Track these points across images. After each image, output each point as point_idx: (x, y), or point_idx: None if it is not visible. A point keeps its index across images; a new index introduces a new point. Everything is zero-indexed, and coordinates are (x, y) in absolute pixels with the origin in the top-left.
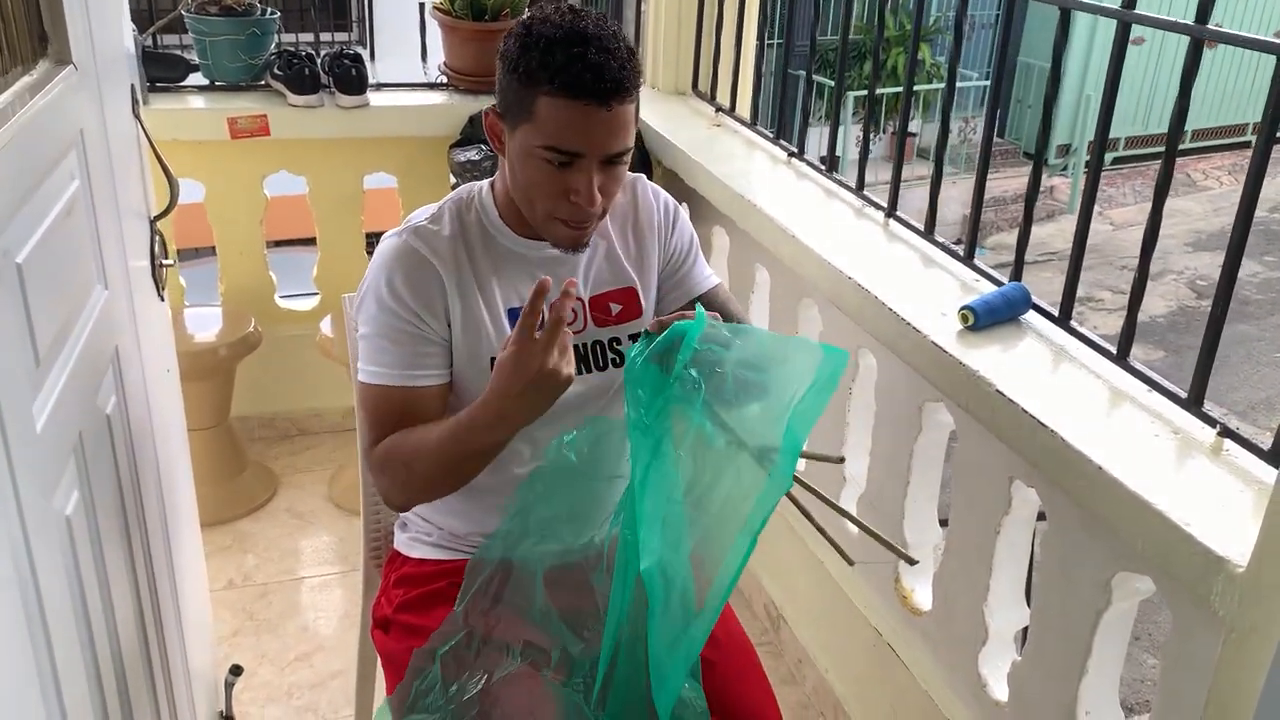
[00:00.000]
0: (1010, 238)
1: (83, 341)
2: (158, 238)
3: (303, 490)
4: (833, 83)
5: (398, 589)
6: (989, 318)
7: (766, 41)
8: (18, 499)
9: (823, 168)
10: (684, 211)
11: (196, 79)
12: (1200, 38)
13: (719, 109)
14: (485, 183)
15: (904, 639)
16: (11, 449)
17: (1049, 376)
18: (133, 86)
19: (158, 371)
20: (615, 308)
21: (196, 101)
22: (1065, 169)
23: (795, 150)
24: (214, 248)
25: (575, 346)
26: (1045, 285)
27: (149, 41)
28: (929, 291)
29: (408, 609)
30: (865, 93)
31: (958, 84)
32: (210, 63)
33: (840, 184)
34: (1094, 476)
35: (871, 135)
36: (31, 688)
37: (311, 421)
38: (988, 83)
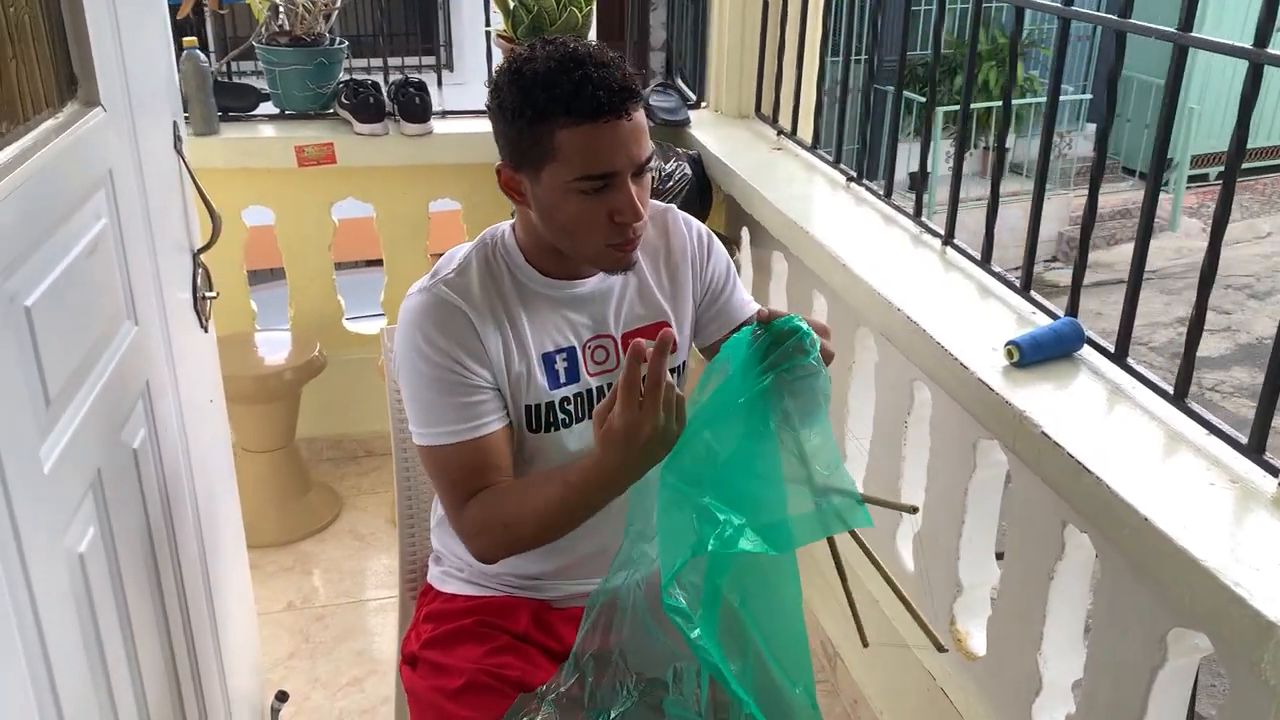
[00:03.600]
0: (1106, 255)
1: (105, 378)
2: (200, 270)
3: (365, 512)
4: (921, 98)
5: (427, 624)
6: (1036, 354)
7: (853, 58)
8: (19, 543)
9: (881, 192)
10: (716, 239)
11: (268, 108)
12: (1259, 61)
13: (780, 132)
14: (506, 226)
15: (958, 684)
16: (13, 494)
17: (1100, 417)
18: (175, 123)
19: (199, 402)
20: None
21: (266, 130)
22: (1166, 184)
23: (854, 175)
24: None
25: (609, 385)
26: (1145, 305)
27: (223, 72)
28: (982, 324)
29: (433, 645)
30: (953, 108)
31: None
32: (280, 92)
33: (899, 210)
34: (1140, 528)
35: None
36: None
37: (377, 443)
38: (1085, 96)
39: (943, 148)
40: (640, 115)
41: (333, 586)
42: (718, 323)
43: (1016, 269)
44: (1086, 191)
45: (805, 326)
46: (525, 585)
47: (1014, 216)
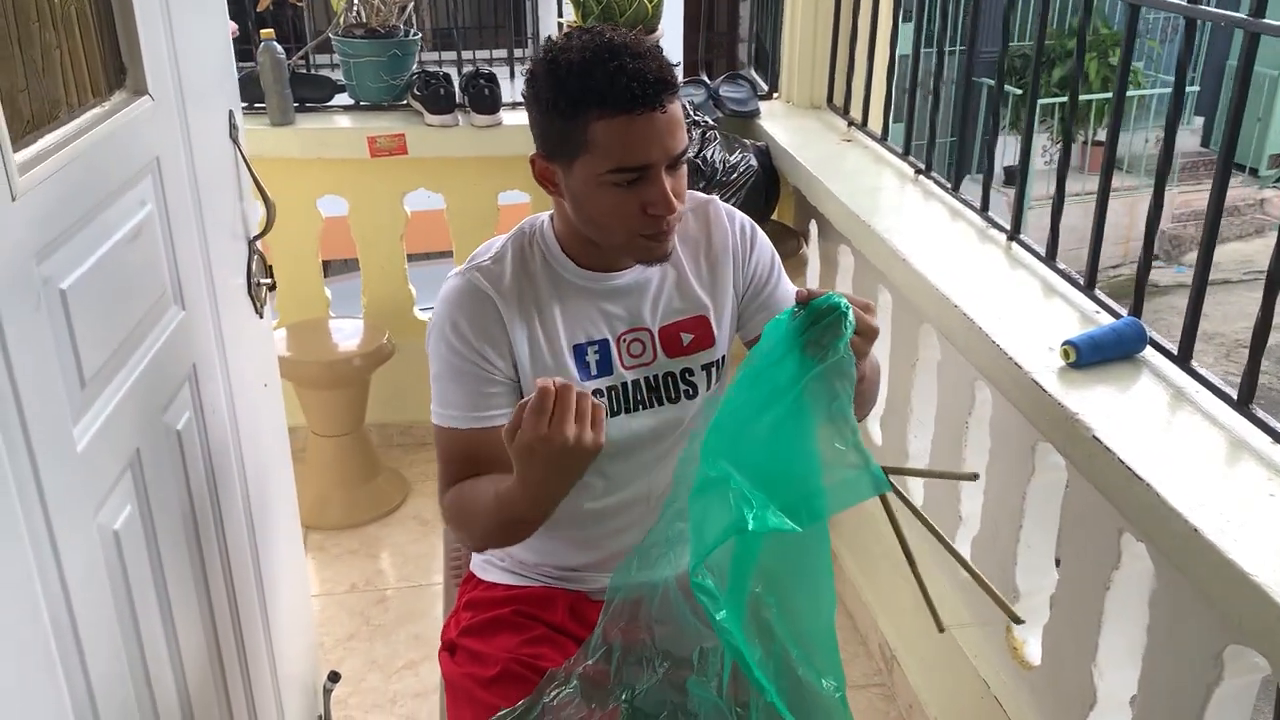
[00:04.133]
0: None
1: (148, 361)
2: (256, 257)
3: (431, 498)
4: (1019, 91)
5: (466, 611)
6: (1094, 355)
7: (946, 49)
8: (47, 519)
9: (949, 185)
10: (760, 231)
11: (344, 99)
12: None
13: (850, 123)
14: (545, 216)
15: (1012, 693)
16: (42, 471)
17: (1158, 422)
18: (231, 112)
19: (252, 386)
20: (686, 338)
21: (341, 121)
22: (1278, 180)
23: (922, 166)
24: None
25: (645, 378)
26: (1250, 305)
27: (302, 64)
28: (1042, 323)
29: (471, 633)
30: (1049, 101)
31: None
32: (355, 83)
33: (966, 204)
34: (1188, 538)
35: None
36: (57, 684)
37: None
38: (1193, 89)
39: (1037, 142)
40: (675, 107)
41: (395, 570)
42: (763, 314)
43: (1114, 266)
44: (1190, 188)
45: (844, 304)
46: (564, 576)
47: (1113, 213)
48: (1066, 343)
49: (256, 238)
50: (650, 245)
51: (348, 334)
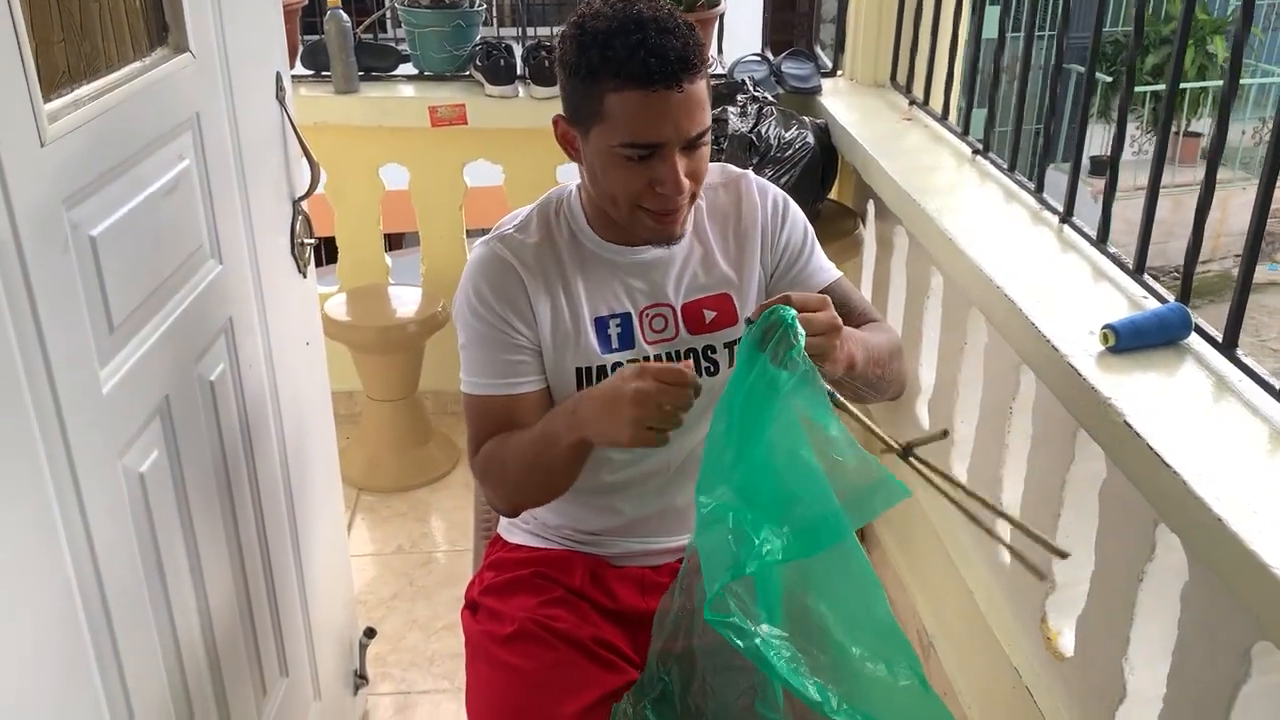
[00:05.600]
0: None
1: (181, 311)
2: (301, 218)
3: None
4: (1108, 79)
5: (489, 571)
6: (1134, 340)
7: (1035, 34)
8: (70, 458)
9: (1005, 165)
10: (794, 205)
11: (409, 69)
12: None
13: (912, 102)
14: (573, 186)
15: (1045, 685)
16: (66, 411)
17: (1196, 411)
18: (278, 74)
19: (292, 342)
20: (710, 314)
21: (405, 90)
22: None
23: (980, 147)
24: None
25: (668, 354)
26: None
27: (369, 32)
28: (1087, 307)
29: (492, 593)
30: (1142, 89)
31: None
32: (419, 53)
33: (1021, 185)
34: (1213, 528)
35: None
36: (76, 622)
37: None
38: None
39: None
40: (698, 88)
41: (441, 534)
42: (795, 291)
43: (1204, 262)
44: None
45: (789, 317)
46: (585, 540)
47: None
48: (1106, 326)
49: (301, 198)
50: (655, 224)
51: (405, 301)
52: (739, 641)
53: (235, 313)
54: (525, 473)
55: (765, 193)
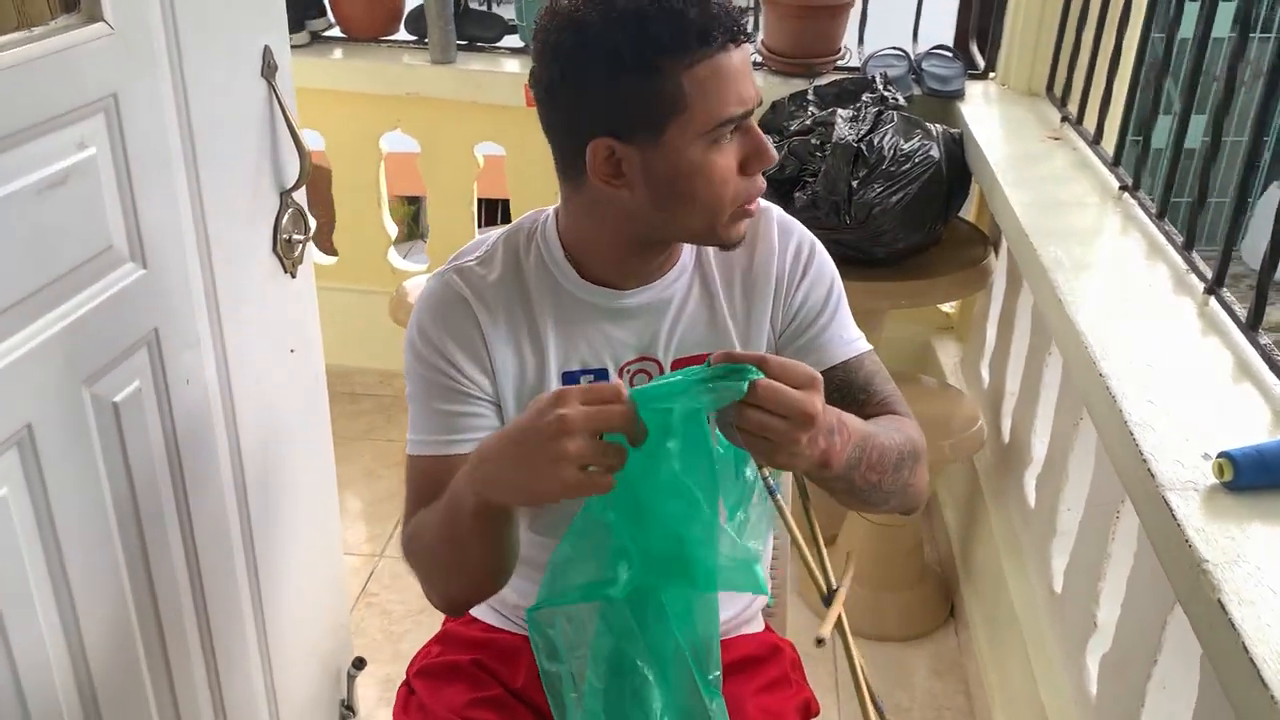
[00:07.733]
0: None
1: (68, 323)
2: (290, 211)
3: None
4: None
5: (436, 645)
6: (1260, 476)
7: (1249, 35)
8: None
9: (1153, 209)
10: (823, 254)
11: (514, 41)
12: None
13: (1065, 119)
14: (549, 213)
15: None
16: None
17: None
18: (266, 47)
19: (268, 353)
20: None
21: (510, 65)
22: None
23: (1129, 183)
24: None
25: None
26: None
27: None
28: (1210, 419)
29: (428, 675)
30: None
31: None
32: (525, 24)
33: (1169, 238)
34: None
35: None
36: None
37: None
38: None
39: None
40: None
41: None
42: (803, 359)
43: None
44: None
45: (743, 390)
46: None
47: None
48: (1223, 454)
49: (290, 190)
50: (747, 218)
51: None
52: (546, 663)
53: (163, 323)
54: (435, 553)
55: (789, 235)
